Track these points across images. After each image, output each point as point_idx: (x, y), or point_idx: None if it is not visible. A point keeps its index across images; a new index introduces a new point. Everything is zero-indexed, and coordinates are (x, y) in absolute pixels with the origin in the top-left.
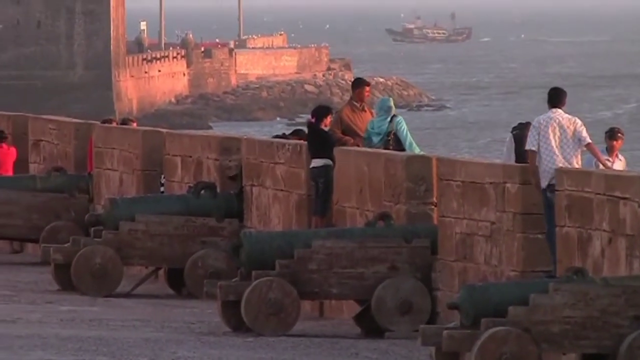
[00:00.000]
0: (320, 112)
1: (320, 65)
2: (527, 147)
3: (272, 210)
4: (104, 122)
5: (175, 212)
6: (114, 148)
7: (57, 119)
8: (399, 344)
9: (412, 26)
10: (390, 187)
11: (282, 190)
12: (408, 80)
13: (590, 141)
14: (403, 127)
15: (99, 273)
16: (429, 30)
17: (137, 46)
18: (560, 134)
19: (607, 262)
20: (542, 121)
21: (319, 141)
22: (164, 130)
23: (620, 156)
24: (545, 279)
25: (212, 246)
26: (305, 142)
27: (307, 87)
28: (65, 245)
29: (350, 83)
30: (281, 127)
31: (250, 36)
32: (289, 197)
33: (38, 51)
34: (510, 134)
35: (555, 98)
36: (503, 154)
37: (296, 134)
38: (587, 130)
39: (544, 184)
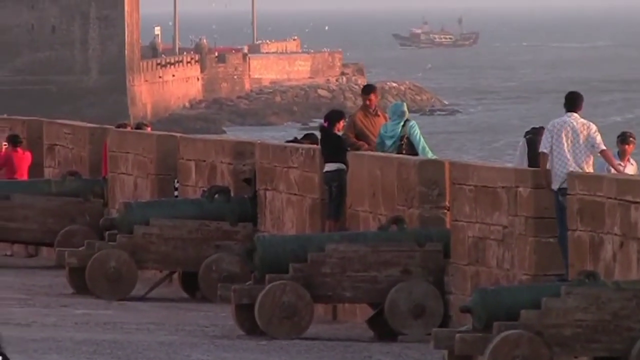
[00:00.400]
0: (333, 116)
1: (333, 70)
2: (540, 150)
3: (286, 214)
4: (118, 126)
5: (189, 216)
6: (128, 152)
7: (72, 123)
8: (412, 347)
9: (419, 31)
10: (403, 191)
11: (295, 194)
12: (421, 84)
13: (604, 148)
14: (416, 131)
15: (113, 277)
16: (436, 35)
17: (151, 51)
18: (573, 138)
19: (619, 265)
20: (556, 125)
21: (332, 145)
22: (178, 134)
23: (632, 160)
24: (557, 283)
25: (226, 250)
26: (319, 147)
27: (320, 91)
28: (80, 249)
29: (364, 85)
30: (295, 131)
31: (263, 41)
32: (302, 201)
33: (53, 56)
34: (524, 139)
35: (572, 102)
36: (516, 158)
37: (308, 137)
38: (601, 136)
39: (555, 187)
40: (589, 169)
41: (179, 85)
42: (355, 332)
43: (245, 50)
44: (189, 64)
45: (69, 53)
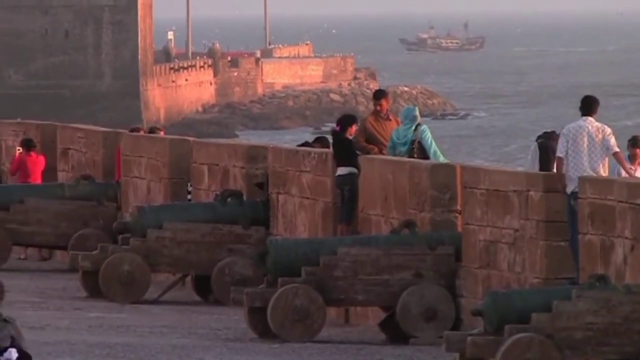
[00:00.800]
0: (346, 121)
1: (345, 75)
2: (557, 154)
3: (298, 218)
4: (131, 130)
5: (202, 220)
6: (141, 156)
7: (85, 127)
8: (424, 350)
9: (425, 36)
10: (415, 195)
11: (307, 198)
12: (432, 89)
13: (617, 150)
14: (428, 135)
15: (126, 280)
16: (442, 40)
17: (164, 56)
18: (588, 142)
19: (630, 269)
20: (571, 129)
21: (344, 150)
22: (191, 138)
23: None
24: (568, 286)
25: (239, 253)
26: (331, 151)
27: (332, 96)
28: (94, 252)
29: (375, 90)
30: (307, 135)
31: (276, 45)
32: (314, 205)
33: (66, 61)
34: (535, 143)
35: (588, 106)
36: (527, 162)
37: (319, 141)
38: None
39: (568, 190)
40: (605, 172)
41: (192, 90)
42: (367, 335)
43: (258, 55)
44: (202, 69)
45: (82, 58)
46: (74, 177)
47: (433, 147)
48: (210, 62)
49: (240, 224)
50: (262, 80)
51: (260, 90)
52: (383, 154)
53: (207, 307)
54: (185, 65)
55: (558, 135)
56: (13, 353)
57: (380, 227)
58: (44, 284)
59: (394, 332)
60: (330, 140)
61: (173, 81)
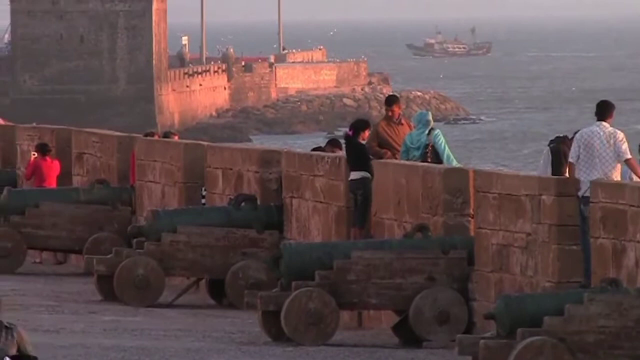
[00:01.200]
0: (359, 125)
1: (358, 80)
2: (569, 159)
3: (312, 222)
4: (146, 135)
5: (216, 224)
6: (156, 161)
7: (100, 132)
8: (437, 354)
9: (432, 41)
10: (428, 199)
11: (321, 202)
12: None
13: (629, 156)
14: (441, 140)
15: (141, 284)
16: (450, 45)
17: (178, 60)
18: (601, 148)
19: None
20: (584, 135)
21: (356, 154)
22: (205, 143)
23: None
24: (580, 290)
25: (253, 257)
26: (344, 155)
27: (345, 100)
28: (108, 256)
29: (387, 96)
30: (320, 140)
31: (290, 50)
32: (328, 209)
33: (81, 65)
34: (548, 147)
35: (603, 111)
36: (540, 166)
37: (331, 143)
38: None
39: (579, 194)
40: (617, 177)
41: (206, 95)
42: (380, 339)
43: (272, 60)
44: (216, 74)
45: (97, 63)
46: (88, 182)
47: (446, 151)
48: (224, 67)
49: (254, 228)
50: (275, 85)
51: (274, 95)
52: (396, 159)
53: (221, 311)
54: (200, 70)
55: (570, 140)
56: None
57: (394, 231)
58: (59, 287)
59: (407, 335)
60: (343, 145)
61: (187, 86)
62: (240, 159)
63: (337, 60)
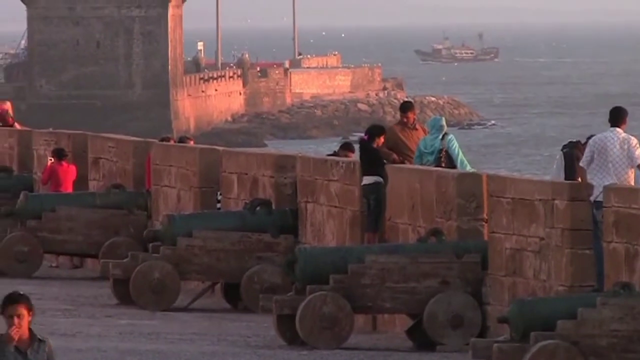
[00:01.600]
0: (374, 131)
1: (373, 85)
2: (580, 164)
3: (326, 226)
4: (161, 140)
5: (231, 228)
6: (171, 165)
7: (116, 137)
8: (450, 357)
9: (440, 47)
10: (442, 203)
11: (336, 206)
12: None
13: None
14: (454, 144)
15: (157, 288)
16: (457, 50)
17: (194, 66)
18: (614, 154)
19: None
20: (597, 140)
21: (370, 159)
22: (221, 148)
23: None
24: (593, 294)
25: (268, 261)
26: (359, 159)
27: (360, 105)
28: (124, 260)
29: (402, 102)
30: (335, 145)
31: (305, 56)
32: (342, 214)
33: (97, 71)
34: (561, 152)
35: (616, 117)
36: (553, 171)
37: (344, 147)
38: None
39: (591, 199)
40: (632, 182)
41: (222, 100)
42: (394, 342)
43: (287, 65)
44: (231, 79)
45: (113, 68)
46: (105, 186)
47: (460, 156)
48: (239, 72)
49: (269, 233)
50: (290, 90)
51: (288, 100)
52: (409, 163)
53: (237, 315)
54: (215, 75)
55: (583, 145)
56: None
57: (408, 235)
58: (76, 291)
59: (421, 339)
60: (357, 149)
61: (203, 91)
62: (255, 164)
63: (352, 65)
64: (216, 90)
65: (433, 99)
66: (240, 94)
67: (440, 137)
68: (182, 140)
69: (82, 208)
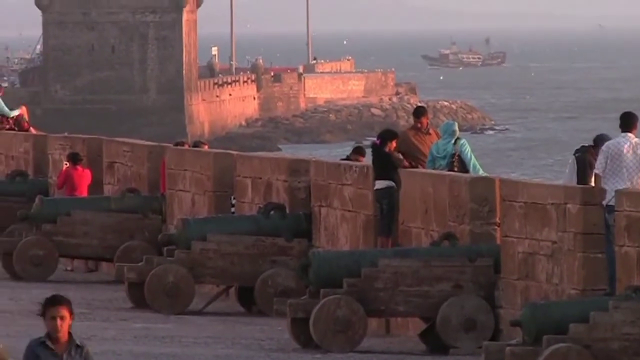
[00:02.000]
0: (387, 135)
1: (386, 90)
2: (595, 171)
3: (340, 230)
4: (176, 144)
5: (245, 232)
6: (186, 170)
7: (131, 141)
8: None
9: (447, 52)
10: (455, 207)
11: (349, 210)
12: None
13: None
14: (467, 149)
15: (171, 291)
16: (464, 55)
17: (208, 71)
18: (628, 159)
19: None
20: (611, 146)
21: (383, 163)
22: (235, 152)
23: None
24: (605, 297)
25: (282, 265)
26: (371, 164)
27: (373, 110)
28: (139, 264)
29: (415, 107)
30: (348, 149)
31: (318, 61)
32: (356, 218)
33: (112, 76)
34: (573, 157)
35: (627, 122)
36: (565, 175)
37: (356, 151)
38: None
39: (603, 203)
40: None
41: (236, 104)
42: (407, 346)
43: (301, 70)
44: (245, 84)
45: (128, 73)
46: (119, 190)
47: (472, 160)
48: (253, 77)
49: (283, 236)
50: (304, 95)
51: (302, 105)
52: (423, 167)
53: (251, 318)
54: (229, 80)
55: (593, 147)
56: None
57: (421, 239)
58: (91, 295)
59: (434, 342)
60: (370, 154)
61: (217, 96)
62: (269, 168)
63: (365, 70)
64: (230, 95)
65: (446, 103)
66: (254, 98)
67: (453, 141)
68: (196, 144)
69: (97, 212)
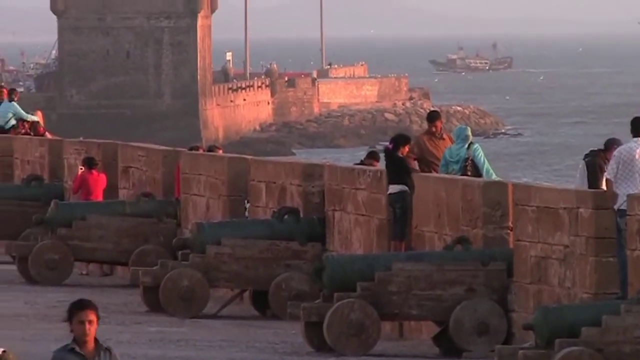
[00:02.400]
0: (399, 140)
1: (400, 95)
2: (605, 176)
3: (354, 234)
4: (191, 149)
5: (259, 236)
6: (200, 174)
7: (146, 146)
8: None
9: (454, 57)
10: (468, 212)
11: (363, 215)
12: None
13: None
14: (480, 153)
15: (186, 295)
16: (472, 60)
17: (223, 76)
18: (639, 163)
19: None
20: (623, 152)
21: (396, 168)
22: (249, 157)
23: None
24: (617, 301)
25: (296, 269)
26: (385, 168)
27: (387, 115)
28: (154, 268)
29: (428, 111)
30: (362, 154)
31: (332, 66)
32: (369, 222)
33: (127, 81)
34: (583, 161)
35: (638, 127)
36: (576, 180)
37: (370, 156)
38: None
39: (615, 207)
40: None
41: (250, 109)
42: (420, 349)
43: (314, 75)
44: (259, 89)
45: (143, 78)
46: (134, 195)
47: (485, 165)
48: (267, 82)
49: (297, 240)
50: (318, 99)
51: (316, 110)
52: (436, 172)
53: (265, 322)
54: (244, 85)
55: (604, 152)
56: None
57: (434, 243)
58: (106, 299)
59: (447, 346)
60: (383, 158)
61: (231, 101)
62: (283, 173)
63: (379, 75)
64: (245, 99)
65: (459, 108)
66: (268, 103)
67: (466, 146)
68: (211, 149)
69: (112, 216)
